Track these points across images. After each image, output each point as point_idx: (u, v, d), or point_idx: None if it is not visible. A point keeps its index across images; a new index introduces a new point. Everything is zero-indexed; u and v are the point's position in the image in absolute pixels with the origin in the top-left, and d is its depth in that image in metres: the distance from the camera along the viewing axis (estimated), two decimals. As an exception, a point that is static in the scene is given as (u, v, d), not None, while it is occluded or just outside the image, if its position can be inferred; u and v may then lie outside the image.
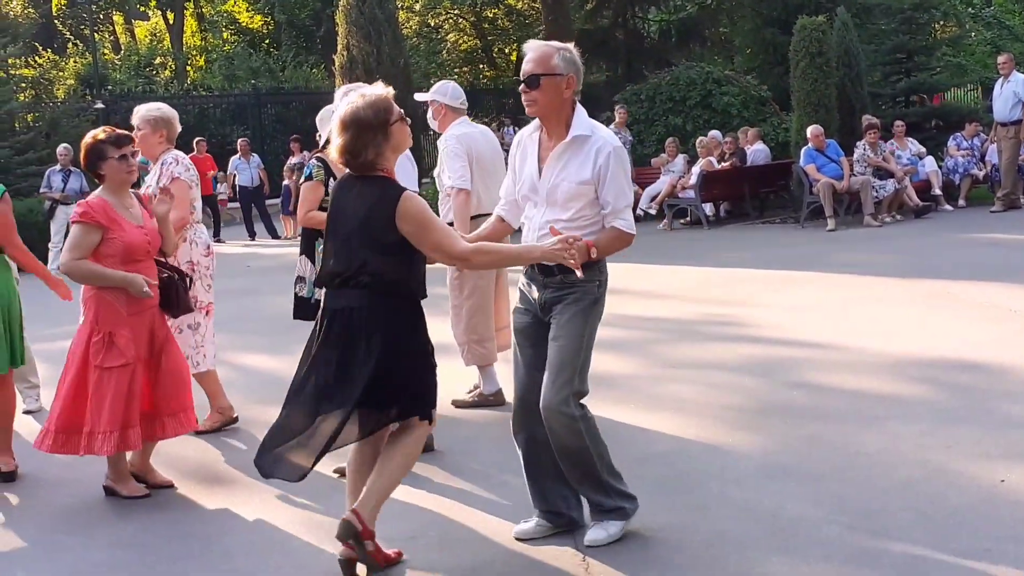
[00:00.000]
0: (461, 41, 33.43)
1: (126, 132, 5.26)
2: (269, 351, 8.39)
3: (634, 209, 4.15)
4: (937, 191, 14.98)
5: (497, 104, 29.84)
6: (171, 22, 37.88)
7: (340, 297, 3.88)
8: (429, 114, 6.33)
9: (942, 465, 4.78)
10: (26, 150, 19.30)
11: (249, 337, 9.05)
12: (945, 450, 4.98)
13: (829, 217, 13.98)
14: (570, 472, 4.10)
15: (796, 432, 5.43)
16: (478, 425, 5.95)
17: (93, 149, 5.07)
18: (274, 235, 18.74)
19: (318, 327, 3.95)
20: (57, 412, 5.01)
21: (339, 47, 16.36)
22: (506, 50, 33.19)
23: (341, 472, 4.79)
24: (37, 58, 30.02)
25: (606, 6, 23.76)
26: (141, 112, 6.01)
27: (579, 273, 3.82)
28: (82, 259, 4.94)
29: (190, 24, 39.12)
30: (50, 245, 15.16)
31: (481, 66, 33.97)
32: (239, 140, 20.39)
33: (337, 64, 16.45)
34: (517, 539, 4.22)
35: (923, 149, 15.48)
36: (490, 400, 6.28)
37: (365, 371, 3.78)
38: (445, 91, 6.24)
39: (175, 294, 5.20)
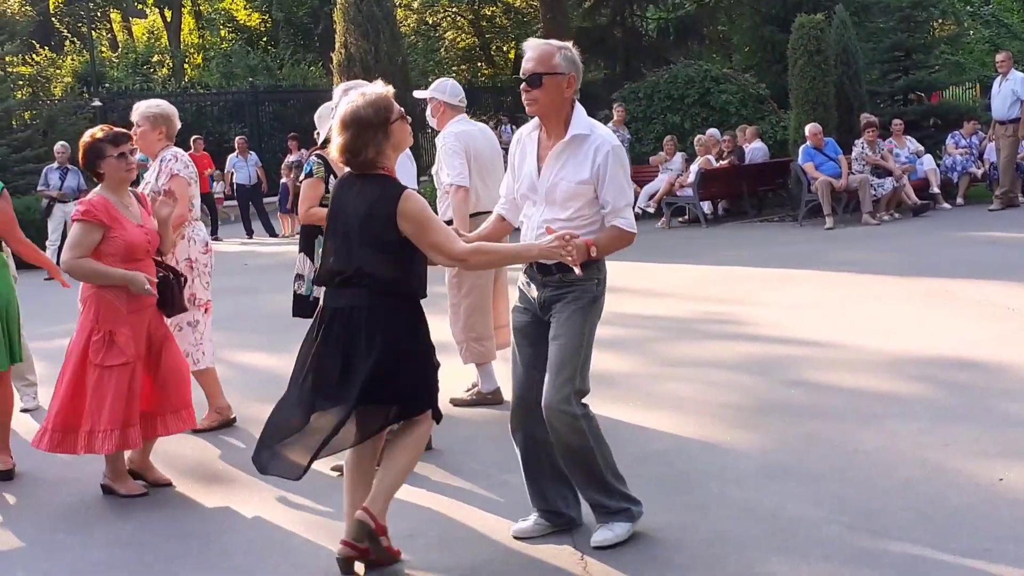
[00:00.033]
0: (459, 39, 33.40)
1: (124, 130, 5.25)
2: (267, 349, 8.38)
3: (633, 207, 4.14)
4: (935, 189, 14.99)
5: (495, 102, 29.80)
6: (169, 20, 37.87)
7: (340, 296, 3.87)
8: (428, 112, 6.32)
9: (941, 464, 4.78)
10: (23, 148, 19.30)
11: (247, 335, 9.04)
12: (943, 448, 4.98)
13: (827, 215, 13.98)
14: (573, 473, 4.09)
15: (795, 430, 5.43)
16: (476, 424, 5.95)
17: (92, 148, 5.06)
18: (272, 233, 18.73)
19: (316, 325, 3.95)
20: (55, 410, 5.00)
21: (337, 45, 16.35)
22: (504, 48, 33.18)
23: (339, 470, 4.79)
24: (34, 56, 29.97)
25: (604, 4, 23.77)
26: (141, 109, 6.01)
27: (577, 271, 3.82)
28: (84, 257, 4.93)
29: (188, 22, 39.08)
30: (47, 243, 15.12)
31: (479, 64, 33.96)
32: (237, 138, 20.36)
33: (335, 62, 16.45)
34: (515, 538, 4.22)
35: (921, 147, 15.49)
36: (488, 399, 6.28)
37: (364, 370, 3.77)
38: (444, 89, 6.24)
39: (170, 293, 5.20)
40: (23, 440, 5.89)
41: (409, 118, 4.00)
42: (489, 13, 32.41)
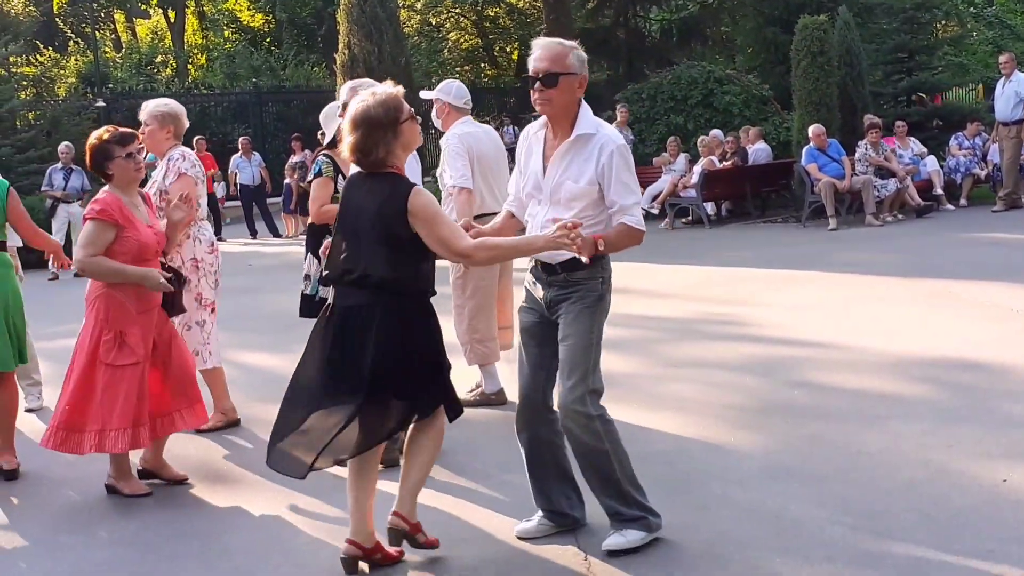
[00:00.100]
0: (462, 40, 33.42)
1: (130, 130, 5.25)
2: (271, 349, 8.39)
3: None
4: (939, 190, 14.98)
5: (498, 103, 29.83)
6: (172, 20, 37.89)
7: (349, 295, 3.88)
8: (433, 113, 6.33)
9: (944, 465, 4.78)
10: (27, 148, 19.30)
11: (250, 335, 9.05)
12: (947, 450, 4.98)
13: (831, 216, 13.97)
14: (590, 479, 4.07)
15: (798, 431, 5.43)
16: (480, 424, 5.95)
17: (99, 150, 5.05)
18: (275, 234, 18.74)
19: (324, 324, 3.95)
20: (62, 409, 5.01)
21: (340, 45, 16.38)
22: (507, 49, 33.21)
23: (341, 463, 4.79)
24: (38, 56, 30.02)
25: (607, 5, 23.74)
26: (149, 108, 6.01)
27: (585, 259, 3.80)
28: (97, 255, 4.92)
29: (191, 22, 39.12)
30: (50, 243, 15.15)
31: (482, 65, 33.98)
32: (240, 138, 20.38)
33: (338, 63, 16.48)
34: (519, 538, 4.22)
35: (924, 149, 15.48)
36: (492, 399, 6.29)
37: (372, 369, 3.77)
38: (449, 90, 6.25)
39: (172, 294, 5.21)
40: (28, 440, 5.91)
41: (419, 118, 4.01)
42: (492, 14, 32.44)
